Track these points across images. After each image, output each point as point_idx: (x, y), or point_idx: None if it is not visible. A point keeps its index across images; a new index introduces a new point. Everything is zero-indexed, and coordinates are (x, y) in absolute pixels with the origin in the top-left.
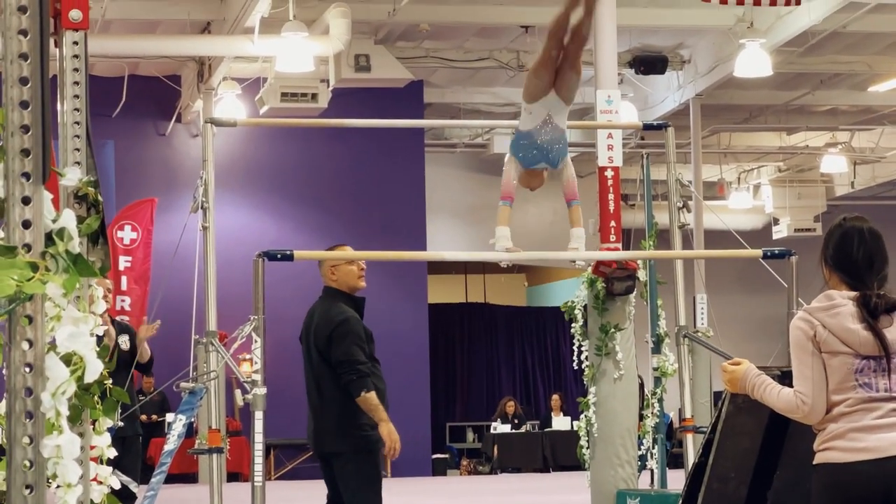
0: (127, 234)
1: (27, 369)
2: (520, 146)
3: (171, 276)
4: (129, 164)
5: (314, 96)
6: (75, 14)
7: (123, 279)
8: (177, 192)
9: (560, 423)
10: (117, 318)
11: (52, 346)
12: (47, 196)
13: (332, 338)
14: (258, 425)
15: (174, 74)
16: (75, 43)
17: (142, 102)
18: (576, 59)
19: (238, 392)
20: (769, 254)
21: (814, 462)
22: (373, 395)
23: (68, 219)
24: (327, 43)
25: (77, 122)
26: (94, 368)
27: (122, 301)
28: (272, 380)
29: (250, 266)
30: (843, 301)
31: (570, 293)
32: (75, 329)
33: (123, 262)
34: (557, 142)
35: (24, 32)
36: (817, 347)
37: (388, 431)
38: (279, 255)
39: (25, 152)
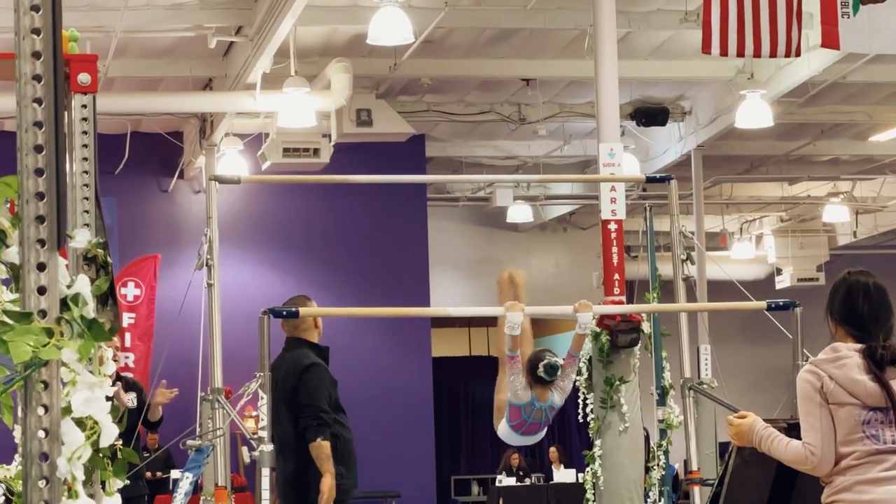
0: (130, 291)
1: (43, 434)
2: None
3: (176, 333)
4: (132, 220)
5: (316, 151)
6: (84, 78)
7: (127, 336)
8: (180, 248)
9: (564, 475)
10: (123, 375)
11: (67, 410)
12: (62, 262)
13: (300, 382)
14: (265, 482)
15: (176, 131)
16: (84, 106)
17: (144, 159)
18: None
19: (244, 449)
20: (773, 306)
21: None
22: (327, 444)
23: (83, 284)
24: (329, 98)
25: (86, 185)
26: (110, 433)
27: (126, 358)
28: None
29: (254, 321)
30: (848, 353)
31: None
32: (90, 394)
33: (127, 318)
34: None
35: (38, 101)
36: (825, 399)
37: (330, 486)
38: (284, 313)
39: (40, 219)
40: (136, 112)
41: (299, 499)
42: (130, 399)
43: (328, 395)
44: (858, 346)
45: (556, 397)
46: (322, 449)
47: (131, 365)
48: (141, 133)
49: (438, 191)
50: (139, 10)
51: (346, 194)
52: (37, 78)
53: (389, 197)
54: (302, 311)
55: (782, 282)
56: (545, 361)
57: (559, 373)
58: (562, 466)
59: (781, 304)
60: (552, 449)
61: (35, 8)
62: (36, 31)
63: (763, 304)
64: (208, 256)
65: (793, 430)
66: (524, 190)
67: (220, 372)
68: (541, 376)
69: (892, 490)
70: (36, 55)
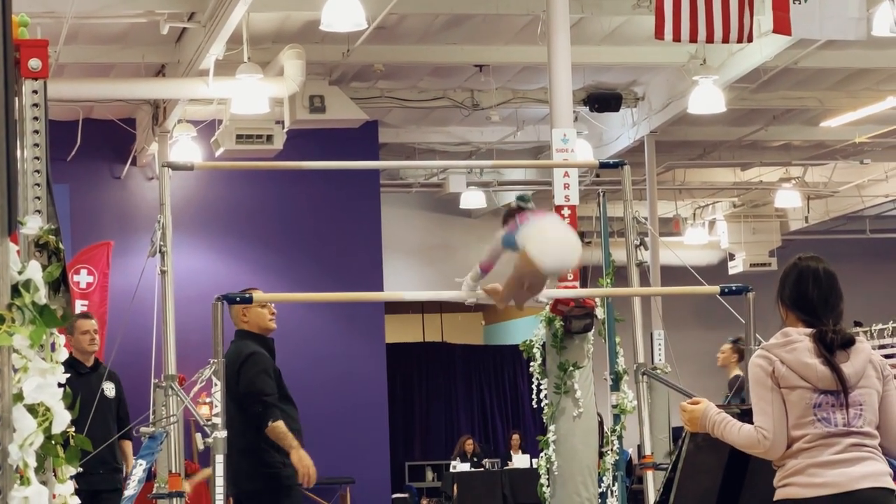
0: (83, 278)
1: None
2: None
3: (129, 320)
4: (85, 207)
5: (269, 138)
6: (35, 63)
7: None
8: (133, 236)
9: (520, 460)
10: (105, 365)
11: (19, 396)
12: (13, 248)
13: (239, 372)
14: (219, 469)
15: (129, 118)
16: (35, 92)
17: (96, 146)
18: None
19: (198, 436)
20: (727, 290)
21: (774, 498)
22: (280, 423)
23: (34, 270)
24: (282, 84)
25: (37, 171)
26: (62, 419)
27: None
28: None
29: (207, 308)
30: (799, 337)
31: (528, 331)
32: (42, 380)
33: (80, 306)
34: None
35: None
36: (776, 383)
37: (300, 458)
38: (238, 299)
39: None
40: (87, 98)
41: (252, 486)
42: (109, 388)
43: (272, 383)
44: (809, 330)
45: None
46: (277, 429)
47: None
48: (93, 120)
49: (392, 177)
50: None
51: (299, 181)
52: None
53: (343, 183)
54: (256, 295)
55: (735, 267)
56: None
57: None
58: (520, 452)
59: (734, 288)
60: (514, 436)
61: None
62: None
63: (716, 288)
64: (161, 243)
65: (745, 415)
66: (477, 176)
67: (173, 359)
68: (518, 207)
69: (844, 472)
70: None
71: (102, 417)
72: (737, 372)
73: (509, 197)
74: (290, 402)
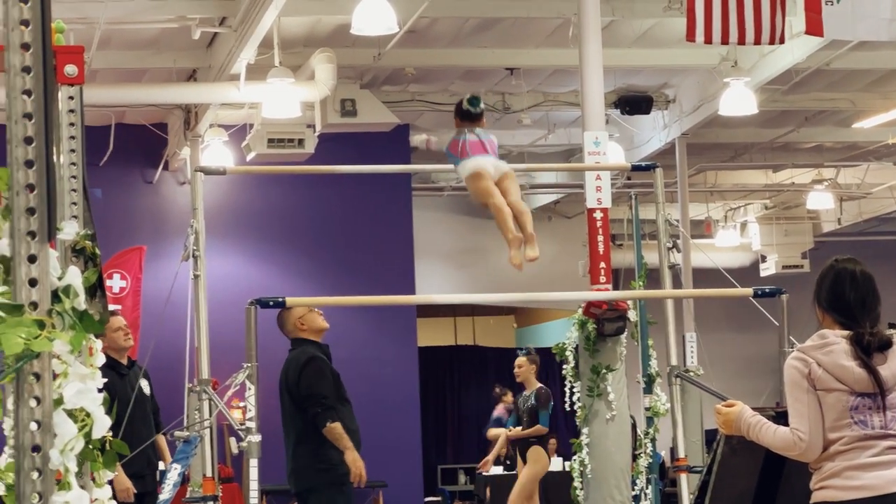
0: (116, 283)
1: (35, 426)
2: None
3: (162, 325)
4: (117, 212)
5: (301, 142)
6: (71, 69)
7: None
8: (165, 240)
9: (553, 463)
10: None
11: (59, 401)
12: (53, 254)
13: (300, 376)
14: (253, 472)
15: (161, 122)
16: (71, 98)
17: (129, 151)
18: None
19: (232, 440)
20: (760, 293)
21: (811, 501)
22: (338, 425)
23: (73, 276)
24: (313, 88)
25: (74, 176)
26: (102, 424)
27: None
28: (264, 426)
29: (239, 312)
30: (836, 339)
31: (559, 334)
32: (82, 385)
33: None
34: None
35: (28, 93)
36: (812, 385)
37: (353, 459)
38: (272, 303)
39: (31, 211)
40: (120, 104)
41: (312, 481)
42: (145, 386)
43: (330, 386)
44: (846, 332)
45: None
46: (334, 430)
47: None
48: (125, 125)
49: (423, 180)
50: (123, 1)
51: (330, 185)
52: (26, 69)
53: (374, 187)
54: (289, 300)
55: (767, 269)
56: (466, 97)
57: (482, 105)
58: (555, 455)
59: (768, 290)
60: (551, 441)
61: None
62: (25, 23)
63: (750, 290)
64: (194, 248)
65: (781, 418)
66: None
67: (206, 363)
68: (466, 110)
69: (881, 475)
70: (25, 46)
71: (145, 416)
72: (538, 385)
73: (541, 200)
74: (348, 404)
